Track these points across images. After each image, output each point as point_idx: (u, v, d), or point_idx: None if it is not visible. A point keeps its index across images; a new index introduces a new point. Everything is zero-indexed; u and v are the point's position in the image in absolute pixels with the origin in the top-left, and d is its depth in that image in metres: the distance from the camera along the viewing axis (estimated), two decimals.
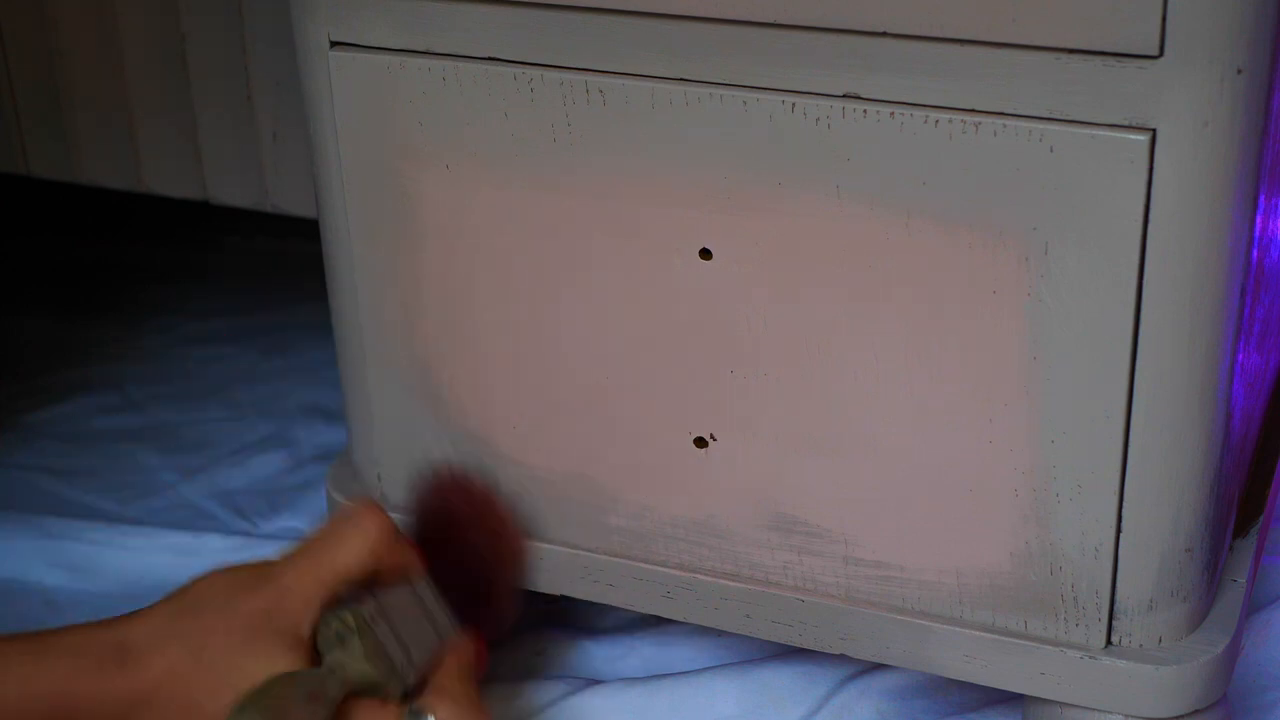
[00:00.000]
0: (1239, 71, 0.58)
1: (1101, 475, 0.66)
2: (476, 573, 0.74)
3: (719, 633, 0.84)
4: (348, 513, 0.70)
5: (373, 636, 0.66)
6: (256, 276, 1.29)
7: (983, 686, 0.73)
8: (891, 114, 0.63)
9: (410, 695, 0.68)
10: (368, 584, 0.69)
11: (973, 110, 0.62)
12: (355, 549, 0.68)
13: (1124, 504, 0.66)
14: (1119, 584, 0.68)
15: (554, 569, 0.78)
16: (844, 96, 0.63)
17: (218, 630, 0.65)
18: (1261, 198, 0.64)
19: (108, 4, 0.97)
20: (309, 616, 0.66)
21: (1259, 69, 0.58)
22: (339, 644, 0.66)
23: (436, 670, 0.69)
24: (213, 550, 0.95)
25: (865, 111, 0.63)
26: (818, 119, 0.64)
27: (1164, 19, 0.57)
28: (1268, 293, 0.75)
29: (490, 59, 0.69)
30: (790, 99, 0.64)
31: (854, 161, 0.64)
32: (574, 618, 0.91)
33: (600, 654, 0.87)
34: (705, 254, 0.68)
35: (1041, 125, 0.61)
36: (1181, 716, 0.70)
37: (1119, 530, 0.67)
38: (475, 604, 0.73)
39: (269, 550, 0.95)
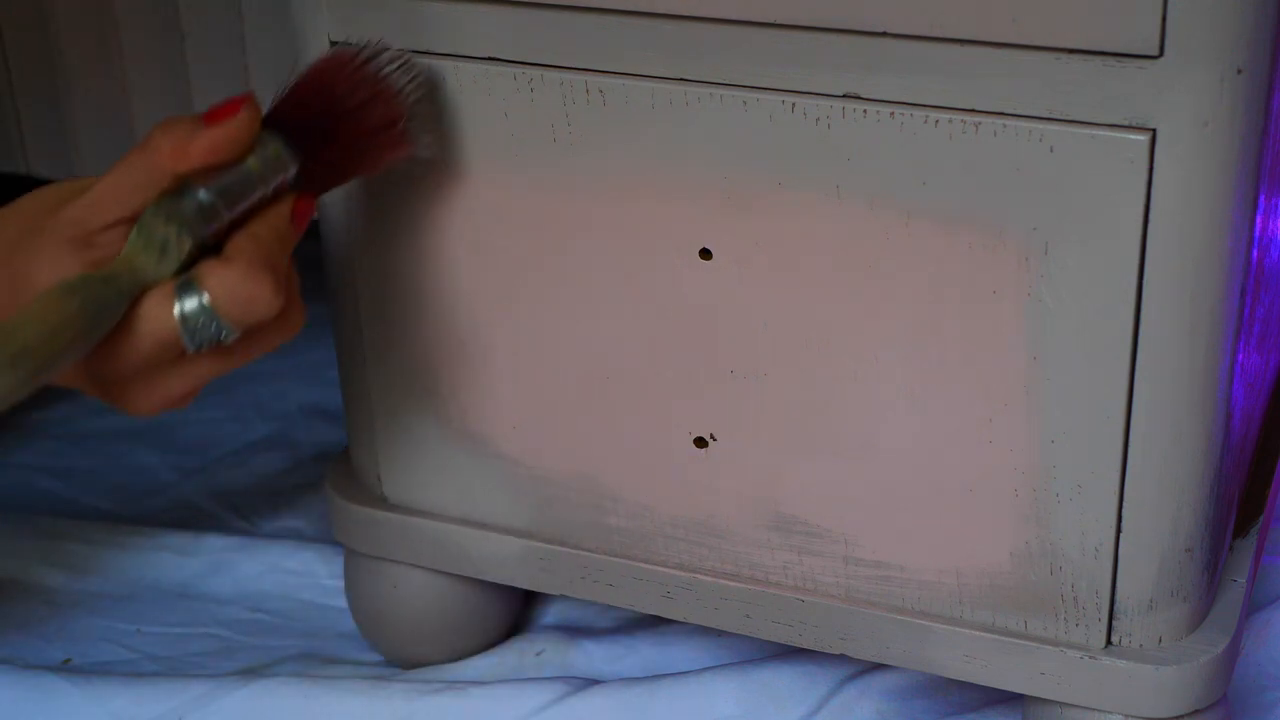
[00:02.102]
0: (1239, 71, 0.58)
1: (1101, 475, 0.66)
2: (348, 135, 0.68)
3: (719, 633, 0.84)
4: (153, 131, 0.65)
5: (184, 233, 0.62)
6: None
7: (983, 686, 0.73)
8: (891, 114, 0.63)
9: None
10: (204, 170, 0.64)
11: (973, 110, 0.62)
12: (138, 171, 0.64)
13: (1124, 504, 0.66)
14: (1119, 584, 0.68)
15: (554, 569, 0.78)
16: (844, 96, 0.63)
17: (7, 227, 0.63)
18: (1261, 198, 0.64)
19: (107, 4, 0.97)
20: (101, 218, 0.62)
21: (1259, 69, 0.58)
22: (146, 241, 0.62)
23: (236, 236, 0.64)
24: (213, 550, 0.95)
25: (865, 111, 0.63)
26: (818, 119, 0.64)
27: (1164, 19, 0.57)
28: (1268, 293, 0.75)
29: (490, 59, 0.69)
30: (790, 99, 0.64)
31: (854, 161, 0.64)
32: (574, 618, 0.91)
33: (600, 654, 0.87)
34: (705, 254, 0.68)
35: (1041, 125, 0.61)
36: (1181, 716, 0.70)
37: (1119, 530, 0.67)
38: (336, 160, 0.68)
39: (269, 550, 0.96)
